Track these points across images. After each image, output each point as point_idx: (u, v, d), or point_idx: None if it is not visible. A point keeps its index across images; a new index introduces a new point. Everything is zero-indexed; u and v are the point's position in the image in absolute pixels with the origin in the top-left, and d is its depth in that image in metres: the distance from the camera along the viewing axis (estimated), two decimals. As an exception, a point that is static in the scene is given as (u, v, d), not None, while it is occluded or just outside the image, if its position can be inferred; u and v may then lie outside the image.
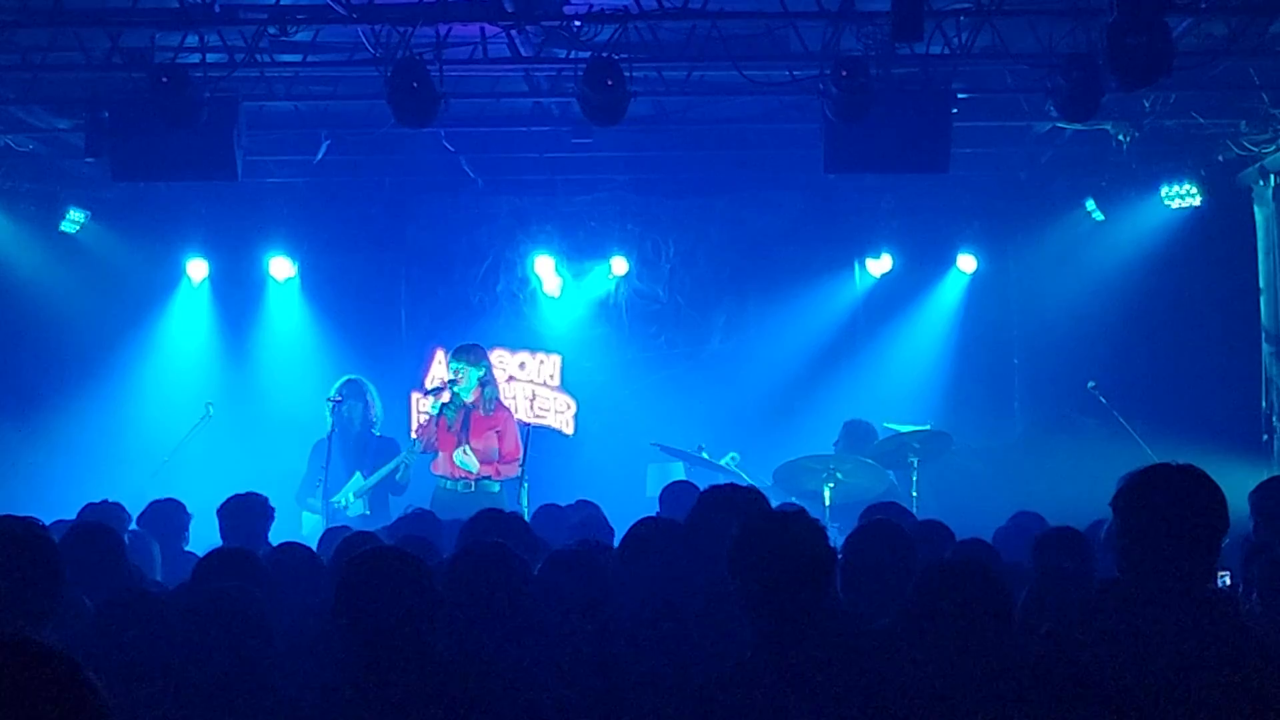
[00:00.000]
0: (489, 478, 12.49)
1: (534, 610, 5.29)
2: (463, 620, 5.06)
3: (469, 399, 12.52)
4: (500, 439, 12.59)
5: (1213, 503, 4.58)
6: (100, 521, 7.66)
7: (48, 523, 6.27)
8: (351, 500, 13.13)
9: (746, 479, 12.56)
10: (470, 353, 12.66)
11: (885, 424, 14.34)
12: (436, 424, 12.57)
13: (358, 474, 13.23)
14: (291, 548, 7.19)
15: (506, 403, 14.77)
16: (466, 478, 12.47)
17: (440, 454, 12.61)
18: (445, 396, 12.59)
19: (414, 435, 13.66)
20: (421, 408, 15.68)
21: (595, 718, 4.89)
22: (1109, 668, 4.39)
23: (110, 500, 9.40)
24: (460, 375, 12.47)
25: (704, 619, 5.60)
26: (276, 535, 8.80)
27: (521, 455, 12.48)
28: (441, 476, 12.63)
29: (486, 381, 12.67)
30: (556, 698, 4.92)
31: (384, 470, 13.18)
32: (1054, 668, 4.45)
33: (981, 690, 4.30)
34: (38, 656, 2.39)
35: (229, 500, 8.76)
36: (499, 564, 5.25)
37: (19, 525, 4.93)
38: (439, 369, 15.98)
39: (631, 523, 6.71)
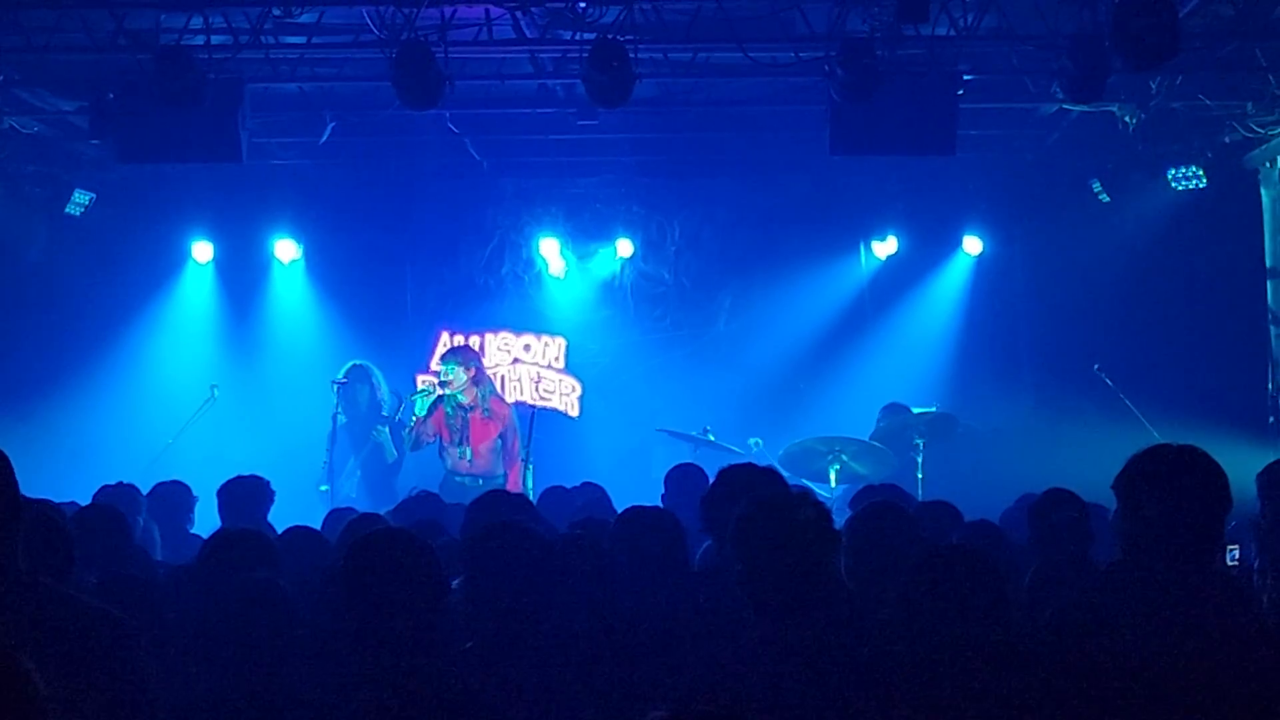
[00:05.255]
0: (504, 474, 12.65)
1: (548, 590, 5.25)
2: (484, 596, 5.03)
3: (464, 400, 12.61)
4: (504, 441, 12.77)
5: (1214, 482, 4.57)
6: (109, 504, 7.67)
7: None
8: (350, 489, 13.25)
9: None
10: (459, 354, 12.77)
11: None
12: (428, 422, 12.65)
13: (352, 459, 13.34)
14: (298, 531, 7.16)
15: (511, 385, 14.86)
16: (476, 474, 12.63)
17: (447, 448, 12.71)
18: (438, 388, 12.72)
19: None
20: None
21: (597, 695, 4.88)
22: (1114, 649, 4.39)
23: (125, 482, 9.39)
24: (451, 378, 12.55)
25: (708, 599, 5.59)
26: (294, 518, 8.78)
27: (521, 442, 12.62)
28: (452, 470, 12.74)
29: (479, 380, 12.74)
30: (560, 680, 4.92)
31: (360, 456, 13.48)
32: (1058, 650, 4.45)
33: (982, 673, 4.30)
34: None
35: (228, 482, 8.75)
36: (522, 540, 5.20)
37: (32, 508, 4.96)
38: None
39: (635, 505, 6.67)
